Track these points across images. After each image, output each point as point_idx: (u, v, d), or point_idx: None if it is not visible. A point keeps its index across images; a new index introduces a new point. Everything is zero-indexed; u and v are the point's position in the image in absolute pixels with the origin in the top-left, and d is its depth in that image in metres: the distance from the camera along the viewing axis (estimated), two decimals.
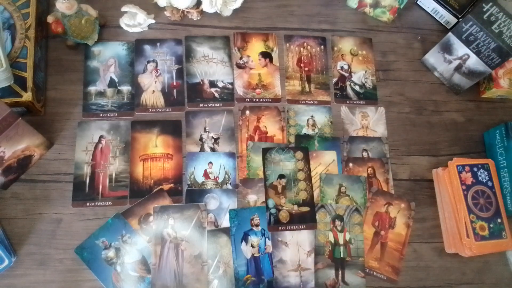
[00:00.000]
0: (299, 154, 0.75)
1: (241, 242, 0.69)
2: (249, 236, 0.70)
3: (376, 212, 0.74)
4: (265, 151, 0.74)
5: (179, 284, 0.66)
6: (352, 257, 0.71)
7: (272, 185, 0.73)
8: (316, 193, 0.73)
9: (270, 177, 0.73)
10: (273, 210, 0.71)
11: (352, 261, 0.71)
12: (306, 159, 0.75)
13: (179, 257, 0.67)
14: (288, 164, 0.74)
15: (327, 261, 0.70)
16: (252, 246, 0.69)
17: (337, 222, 0.72)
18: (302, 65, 0.83)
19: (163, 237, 0.68)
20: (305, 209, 0.72)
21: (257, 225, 0.70)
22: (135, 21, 0.79)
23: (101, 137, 0.73)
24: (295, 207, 0.72)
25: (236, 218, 0.70)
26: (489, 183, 0.72)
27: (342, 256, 0.71)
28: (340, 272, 0.70)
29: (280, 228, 0.71)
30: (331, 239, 0.71)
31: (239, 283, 0.67)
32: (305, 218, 0.72)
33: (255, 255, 0.69)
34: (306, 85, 0.82)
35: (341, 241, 0.71)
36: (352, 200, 0.74)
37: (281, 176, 0.74)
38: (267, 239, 0.70)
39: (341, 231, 0.72)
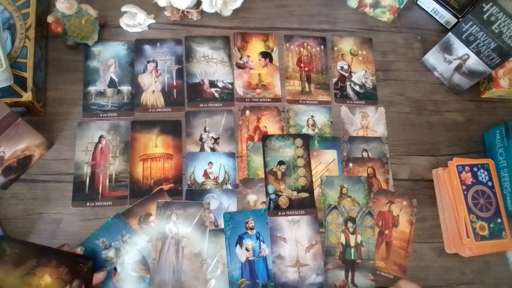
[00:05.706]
0: (299, 141, 0.75)
1: (236, 246, 0.69)
2: (243, 240, 0.69)
3: (379, 212, 0.74)
4: (265, 138, 0.75)
5: (177, 280, 0.66)
6: (362, 259, 0.71)
7: (272, 171, 0.73)
8: (317, 194, 0.73)
9: (270, 164, 0.73)
10: (272, 196, 0.72)
11: (362, 264, 0.71)
12: (306, 146, 0.75)
13: (179, 254, 0.67)
14: (287, 151, 0.75)
15: (338, 262, 0.70)
16: (247, 249, 0.69)
17: (349, 224, 0.72)
18: (302, 65, 0.83)
19: (165, 232, 0.68)
20: (304, 195, 0.73)
21: (251, 229, 0.70)
22: (135, 21, 0.79)
23: (101, 137, 0.73)
24: (295, 193, 0.72)
25: (230, 222, 0.70)
26: (489, 183, 0.72)
27: (352, 258, 0.71)
28: (350, 274, 0.70)
29: (279, 213, 0.71)
30: (343, 240, 0.71)
31: (234, 287, 0.67)
32: (304, 204, 0.72)
33: (249, 258, 0.69)
34: (306, 85, 0.82)
35: (352, 243, 0.71)
36: (354, 201, 0.74)
37: (280, 163, 0.74)
38: (261, 242, 0.70)
39: (353, 233, 0.72)
